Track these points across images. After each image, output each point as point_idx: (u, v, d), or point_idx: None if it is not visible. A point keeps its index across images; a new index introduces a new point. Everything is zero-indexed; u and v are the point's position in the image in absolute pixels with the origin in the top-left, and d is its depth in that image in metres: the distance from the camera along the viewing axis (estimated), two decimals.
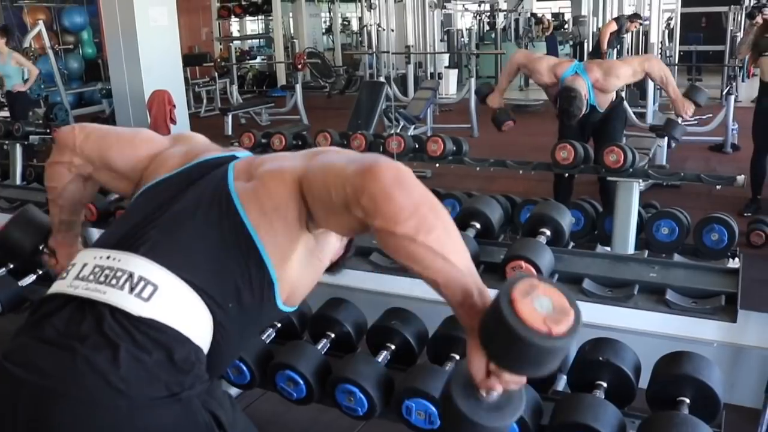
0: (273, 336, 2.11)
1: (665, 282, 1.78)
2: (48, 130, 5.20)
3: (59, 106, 9.34)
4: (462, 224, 2.02)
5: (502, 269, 1.80)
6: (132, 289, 1.08)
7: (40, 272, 2.77)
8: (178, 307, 1.10)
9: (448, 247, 1.00)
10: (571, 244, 3.11)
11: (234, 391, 2.52)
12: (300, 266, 1.25)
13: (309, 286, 1.34)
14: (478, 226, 2.01)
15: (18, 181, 4.74)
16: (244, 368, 1.99)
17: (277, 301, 1.23)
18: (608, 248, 3.05)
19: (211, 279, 1.14)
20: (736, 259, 2.54)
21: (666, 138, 5.51)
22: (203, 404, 1.10)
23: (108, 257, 1.13)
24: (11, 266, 2.75)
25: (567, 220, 2.00)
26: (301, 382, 1.90)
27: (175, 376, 1.06)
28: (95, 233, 2.68)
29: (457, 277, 1.00)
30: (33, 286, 2.73)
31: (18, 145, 5.03)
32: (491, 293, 1.00)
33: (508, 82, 4.12)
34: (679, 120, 3.84)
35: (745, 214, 4.48)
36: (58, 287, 1.14)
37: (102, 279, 1.10)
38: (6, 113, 8.66)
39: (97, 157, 1.42)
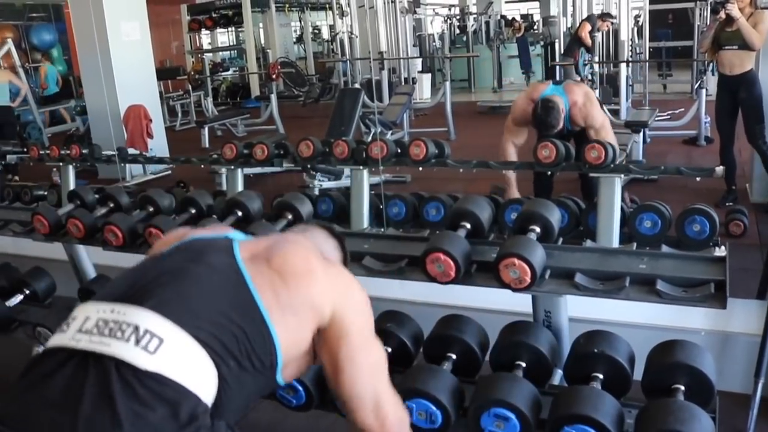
0: None
1: (655, 273, 1.82)
2: (25, 149, 5.14)
3: (32, 125, 9.23)
4: (452, 225, 2.05)
5: (495, 267, 1.82)
6: (138, 342, 1.06)
7: (27, 292, 2.76)
8: (184, 360, 1.09)
9: None
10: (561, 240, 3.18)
11: None
12: (302, 354, 1.34)
13: (303, 372, 1.45)
14: (468, 226, 2.04)
15: None
16: None
17: (277, 376, 1.28)
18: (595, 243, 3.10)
19: (216, 335, 1.14)
20: (722, 248, 2.59)
21: (641, 133, 5.62)
22: None
23: (112, 311, 1.12)
24: None
25: (556, 216, 2.03)
26: (300, 388, 1.91)
27: (180, 430, 1.04)
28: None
29: None
30: (20, 306, 2.72)
31: None
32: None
33: (513, 160, 3.78)
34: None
35: (726, 204, 4.56)
36: (59, 340, 1.11)
37: (106, 332, 1.07)
38: None
39: None
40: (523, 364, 1.89)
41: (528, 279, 1.81)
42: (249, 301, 1.20)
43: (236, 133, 9.35)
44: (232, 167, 3.71)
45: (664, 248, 2.24)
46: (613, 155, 3.03)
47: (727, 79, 4.65)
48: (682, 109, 7.00)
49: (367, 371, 1.37)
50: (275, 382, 1.29)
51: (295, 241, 1.44)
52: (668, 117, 7.14)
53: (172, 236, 1.49)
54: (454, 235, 1.94)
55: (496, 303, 2.39)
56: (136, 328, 1.07)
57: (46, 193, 4.52)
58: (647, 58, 9.28)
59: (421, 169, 3.49)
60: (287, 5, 14.71)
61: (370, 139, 6.35)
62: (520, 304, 2.10)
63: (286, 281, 1.26)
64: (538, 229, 1.98)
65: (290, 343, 1.26)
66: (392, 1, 9.94)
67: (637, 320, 2.50)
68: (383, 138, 3.54)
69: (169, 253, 1.33)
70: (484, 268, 1.94)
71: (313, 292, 1.29)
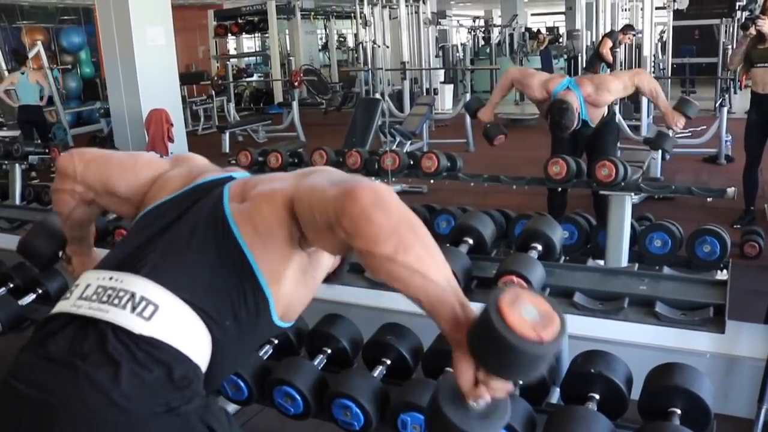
0: (270, 352, 2.14)
1: (655, 294, 1.82)
2: (47, 150, 5.25)
3: (58, 126, 9.39)
4: (455, 240, 2.06)
5: (495, 284, 1.83)
6: (134, 309, 1.11)
7: (40, 291, 2.81)
8: (178, 326, 1.14)
9: (428, 265, 1.03)
10: (563, 258, 3.17)
11: (232, 407, 2.55)
12: (294, 284, 1.28)
13: (304, 303, 1.37)
14: (471, 241, 2.05)
15: (17, 201, 4.77)
16: (242, 384, 2.01)
17: (273, 317, 1.27)
18: (601, 261, 3.09)
19: (209, 298, 1.18)
20: (725, 272, 2.57)
21: (660, 151, 5.57)
22: (200, 419, 1.13)
23: (111, 278, 1.17)
24: (11, 286, 2.79)
25: (558, 234, 2.03)
26: (298, 397, 1.93)
27: (174, 392, 1.09)
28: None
29: (437, 293, 1.03)
30: (33, 305, 2.76)
31: (17, 165, 5.07)
32: (475, 307, 1.03)
33: (501, 97, 4.14)
34: (670, 132, 3.88)
35: (735, 226, 4.51)
36: (62, 307, 1.18)
37: (105, 299, 1.13)
38: (6, 133, 8.74)
39: (98, 184, 1.47)
40: (521, 382, 1.89)
41: None
42: (235, 249, 1.20)
43: (257, 138, 9.44)
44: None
45: (666, 270, 2.23)
46: (624, 173, 3.02)
47: (759, 97, 4.60)
48: (704, 127, 6.93)
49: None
50: (274, 325, 1.28)
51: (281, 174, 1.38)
52: (689, 134, 7.08)
53: (187, 170, 1.43)
54: (454, 251, 1.95)
55: None
56: (132, 295, 1.13)
57: None
58: (669, 74, 9.20)
59: (432, 181, 3.50)
60: (312, 13, 14.83)
61: (391, 148, 6.41)
62: None
63: (258, 207, 1.24)
64: (540, 247, 1.98)
65: (274, 272, 1.23)
66: (416, 12, 10.00)
67: (641, 340, 2.47)
68: (396, 150, 3.56)
69: (172, 204, 1.33)
70: (484, 284, 1.94)
71: (277, 198, 1.23)
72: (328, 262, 1.37)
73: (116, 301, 1.12)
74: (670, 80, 8.84)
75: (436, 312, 1.04)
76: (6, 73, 9.65)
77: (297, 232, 1.23)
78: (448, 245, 2.01)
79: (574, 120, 3.71)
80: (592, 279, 1.93)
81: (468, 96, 8.14)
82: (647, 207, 4.68)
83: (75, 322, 1.13)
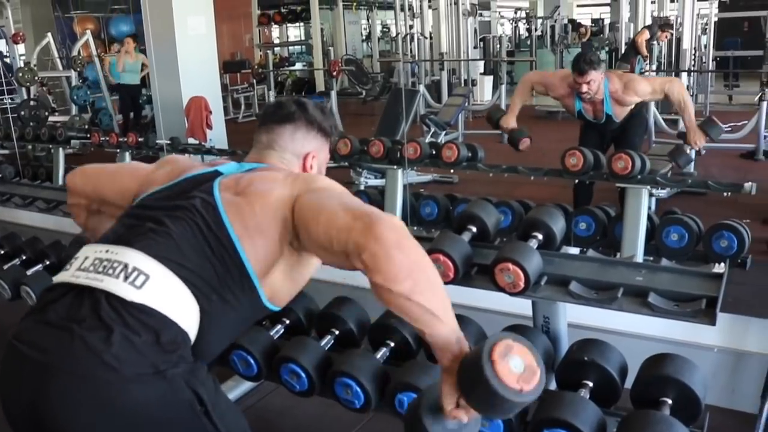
0: (281, 331, 2.23)
1: (650, 285, 1.84)
2: (88, 135, 5.44)
3: (104, 112, 9.66)
4: (458, 227, 2.11)
5: (491, 270, 1.88)
6: (126, 278, 1.22)
7: (48, 263, 2.95)
8: (167, 294, 1.24)
9: (435, 305, 1.17)
10: (582, 249, 3.19)
11: (247, 386, 2.66)
12: (282, 277, 1.40)
13: (291, 294, 1.48)
14: (474, 229, 2.10)
15: (60, 183, 4.97)
16: (252, 361, 2.11)
17: (262, 300, 1.37)
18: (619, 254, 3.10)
19: (197, 272, 1.28)
20: (722, 265, 2.57)
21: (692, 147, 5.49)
22: (187, 383, 1.22)
23: (107, 251, 1.28)
24: (47, 263, 2.95)
25: (560, 225, 2.06)
26: (303, 375, 2.02)
27: (161, 355, 1.19)
28: None
29: (440, 329, 1.18)
30: (40, 273, 2.89)
31: (60, 149, 5.27)
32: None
33: (522, 102, 4.14)
34: (688, 149, 3.82)
35: (764, 221, 4.44)
36: (62, 277, 1.29)
37: (100, 269, 1.24)
38: (58, 118, 9.05)
39: (93, 195, 1.65)
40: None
41: (522, 284, 1.86)
42: (224, 235, 1.30)
43: None
44: None
45: (664, 262, 2.25)
46: (642, 166, 3.02)
47: None
48: (746, 122, 6.79)
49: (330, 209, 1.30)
50: (264, 307, 1.39)
51: (270, 171, 1.47)
52: (729, 129, 6.93)
53: (171, 168, 1.55)
54: (455, 237, 2.00)
55: (502, 305, 2.44)
56: (125, 266, 1.23)
57: None
58: (709, 67, 9.00)
59: (452, 171, 3.54)
60: (355, 3, 14.88)
61: (427, 139, 6.44)
62: (523, 306, 2.15)
63: (251, 204, 1.34)
64: (540, 236, 2.02)
65: (262, 265, 1.33)
66: (455, 3, 9.98)
67: (648, 332, 2.50)
68: (417, 140, 3.61)
69: (163, 192, 1.44)
70: (484, 271, 2.00)
71: (272, 201, 1.34)
72: (317, 263, 1.47)
73: (110, 271, 1.23)
74: (711, 74, 8.64)
75: (437, 345, 1.19)
76: (59, 62, 10.00)
77: (290, 236, 1.34)
78: (450, 232, 2.06)
79: (600, 64, 3.68)
80: (589, 269, 1.96)
81: (503, 88, 8.12)
82: (678, 201, 4.64)
83: (73, 290, 1.24)
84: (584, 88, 3.67)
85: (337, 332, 2.19)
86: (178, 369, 1.21)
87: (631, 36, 9.60)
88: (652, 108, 6.53)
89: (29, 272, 2.81)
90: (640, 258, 2.98)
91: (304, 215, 1.31)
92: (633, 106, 3.91)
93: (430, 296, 1.17)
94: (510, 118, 4.06)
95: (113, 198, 1.60)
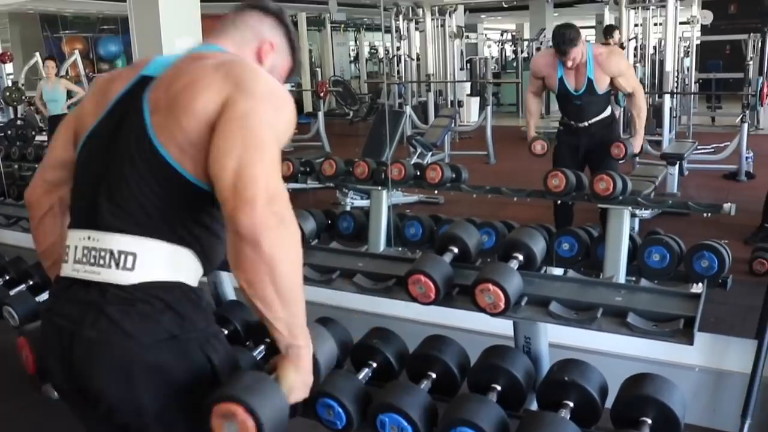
0: (264, 353, 2.22)
1: (629, 306, 1.86)
2: None
3: None
4: (440, 248, 2.13)
5: (472, 291, 1.90)
6: (117, 265, 1.28)
7: (31, 282, 2.93)
8: (158, 261, 1.30)
9: (277, 313, 1.25)
10: (563, 270, 3.21)
11: None
12: None
13: None
14: (455, 250, 2.11)
15: None
16: None
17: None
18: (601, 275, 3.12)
19: (170, 223, 1.31)
20: (700, 285, 2.60)
21: (677, 166, 5.58)
22: (200, 347, 1.31)
23: (89, 237, 1.32)
24: (30, 283, 2.94)
25: (540, 245, 2.09)
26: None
27: (175, 319, 1.28)
28: None
29: (278, 336, 1.29)
30: (23, 293, 2.88)
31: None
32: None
33: (534, 110, 4.39)
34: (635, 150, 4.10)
35: (746, 241, 4.49)
36: (65, 270, 1.36)
37: (92, 261, 1.31)
38: (44, 137, 9.03)
39: (52, 169, 1.53)
40: (498, 388, 1.95)
41: (502, 305, 1.88)
42: (167, 166, 1.28)
43: (284, 147, 9.58)
44: None
45: (643, 282, 2.27)
46: (623, 187, 3.06)
47: None
48: (728, 143, 6.88)
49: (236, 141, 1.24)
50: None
51: (202, 65, 1.35)
52: (712, 150, 7.03)
53: (98, 90, 1.47)
54: (436, 258, 2.02)
55: (486, 325, 2.45)
56: (111, 253, 1.29)
57: None
58: (692, 89, 9.14)
59: (435, 192, 3.57)
60: (343, 25, 15.01)
61: (413, 159, 6.49)
62: (506, 327, 2.17)
63: (178, 120, 1.28)
64: (520, 257, 2.05)
65: (207, 177, 1.28)
66: (441, 26, 10.09)
67: (629, 352, 2.53)
68: (402, 160, 3.64)
69: (95, 138, 1.39)
70: (465, 292, 2.01)
71: (198, 113, 1.27)
72: None
73: (102, 262, 1.29)
74: (695, 96, 8.75)
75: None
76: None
77: None
78: (431, 253, 2.08)
79: (579, 39, 3.83)
80: (569, 289, 1.98)
81: (489, 110, 8.20)
82: (661, 222, 4.68)
83: (78, 282, 1.32)
84: (569, 63, 3.88)
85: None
86: (193, 334, 1.30)
87: None
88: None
89: (12, 292, 2.81)
90: (622, 278, 3.01)
91: (210, 147, 1.25)
92: (608, 114, 4.07)
93: (273, 304, 1.23)
94: (529, 130, 4.32)
95: (64, 155, 1.50)
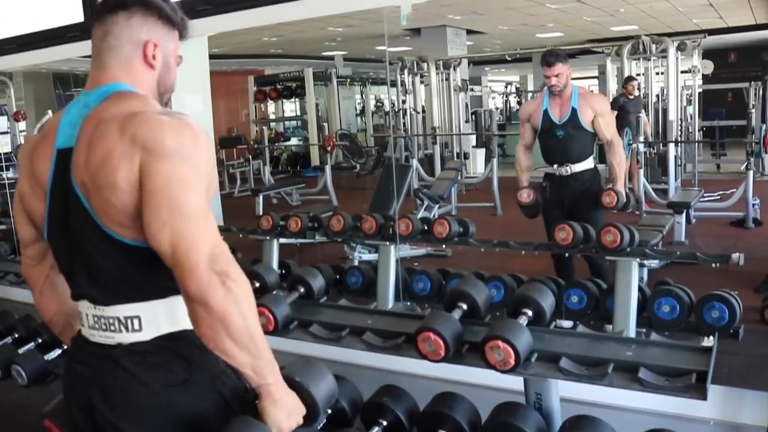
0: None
1: (640, 360, 1.86)
2: None
3: None
4: (449, 305, 2.14)
5: (482, 348, 1.90)
6: (127, 329, 1.40)
7: (40, 341, 2.96)
8: (160, 317, 1.41)
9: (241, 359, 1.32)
10: (571, 323, 3.20)
11: None
12: None
13: None
14: (464, 307, 2.12)
15: None
16: None
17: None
18: (611, 327, 3.11)
19: (151, 282, 1.39)
20: (711, 339, 2.58)
21: (684, 214, 5.58)
22: (212, 386, 1.43)
23: (95, 307, 1.43)
24: (39, 341, 2.95)
25: (549, 300, 2.09)
26: None
27: (183, 365, 1.40)
28: None
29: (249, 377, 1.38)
30: (58, 360, 2.90)
31: None
32: None
33: (523, 160, 4.35)
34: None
35: (756, 289, 4.46)
36: (83, 331, 1.48)
37: (104, 327, 1.42)
38: None
39: (30, 246, 1.58)
40: None
41: (512, 361, 1.88)
42: (120, 243, 1.35)
43: (291, 201, 9.64)
44: (268, 238, 3.91)
45: (654, 336, 2.26)
46: (630, 239, 3.06)
47: None
48: (734, 190, 6.89)
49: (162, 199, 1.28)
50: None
51: (105, 135, 1.33)
52: (718, 197, 7.04)
53: (26, 176, 1.49)
54: (445, 316, 2.03)
55: (496, 380, 2.44)
56: (119, 319, 1.40)
57: None
58: (696, 137, 9.21)
59: (443, 246, 3.58)
60: (349, 79, 15.26)
61: (421, 212, 6.52)
62: (517, 382, 2.15)
63: (108, 199, 1.32)
64: (530, 313, 2.05)
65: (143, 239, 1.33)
66: (446, 80, 10.25)
67: (642, 406, 2.49)
68: (409, 216, 3.67)
69: (53, 226, 1.45)
70: (475, 349, 2.01)
71: (121, 188, 1.30)
72: None
73: (113, 328, 1.41)
74: (699, 144, 8.81)
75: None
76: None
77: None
78: (440, 310, 2.09)
79: (564, 58, 3.93)
80: (579, 345, 1.98)
81: (495, 162, 8.26)
82: (670, 271, 4.65)
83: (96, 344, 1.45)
84: (554, 80, 3.92)
85: (329, 411, 2.17)
86: (201, 375, 1.42)
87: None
88: (642, 179, 6.66)
89: (21, 350, 2.82)
90: (632, 330, 3.00)
91: (143, 223, 1.30)
92: (590, 167, 4.08)
93: (234, 354, 1.30)
94: (521, 183, 4.35)
95: (40, 250, 1.57)
